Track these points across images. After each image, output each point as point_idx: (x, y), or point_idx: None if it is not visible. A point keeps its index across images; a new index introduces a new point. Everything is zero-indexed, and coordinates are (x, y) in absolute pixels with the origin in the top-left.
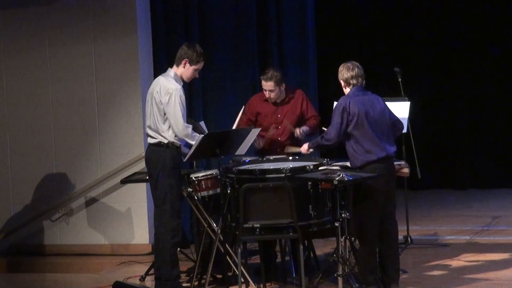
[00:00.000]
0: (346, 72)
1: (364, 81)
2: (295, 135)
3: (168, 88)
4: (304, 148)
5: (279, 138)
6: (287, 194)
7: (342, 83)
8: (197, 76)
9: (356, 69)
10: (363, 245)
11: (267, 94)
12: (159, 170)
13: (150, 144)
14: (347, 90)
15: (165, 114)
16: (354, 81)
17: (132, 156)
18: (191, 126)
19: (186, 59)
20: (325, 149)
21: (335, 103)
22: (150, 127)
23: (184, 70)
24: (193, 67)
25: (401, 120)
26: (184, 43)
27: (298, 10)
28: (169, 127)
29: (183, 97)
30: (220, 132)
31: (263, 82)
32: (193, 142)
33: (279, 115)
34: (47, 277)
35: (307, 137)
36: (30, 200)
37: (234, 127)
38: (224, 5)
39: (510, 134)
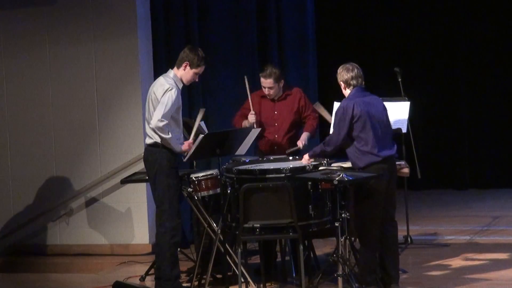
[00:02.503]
0: (345, 74)
1: (363, 82)
2: (299, 147)
3: (164, 86)
4: (305, 159)
5: (276, 136)
6: (287, 194)
7: (342, 84)
8: (197, 80)
9: (356, 70)
10: (364, 245)
11: (266, 91)
12: (156, 171)
13: (147, 145)
14: (347, 92)
15: None
16: (354, 82)
17: (132, 156)
18: (166, 122)
19: (187, 62)
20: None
21: (335, 103)
22: (148, 125)
23: (184, 72)
24: (193, 70)
25: (400, 120)
26: (186, 46)
27: (298, 10)
28: None
29: (177, 98)
30: (220, 132)
31: (262, 79)
32: (164, 136)
33: (275, 112)
34: (47, 277)
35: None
36: (30, 200)
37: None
38: (224, 5)
39: (510, 134)
